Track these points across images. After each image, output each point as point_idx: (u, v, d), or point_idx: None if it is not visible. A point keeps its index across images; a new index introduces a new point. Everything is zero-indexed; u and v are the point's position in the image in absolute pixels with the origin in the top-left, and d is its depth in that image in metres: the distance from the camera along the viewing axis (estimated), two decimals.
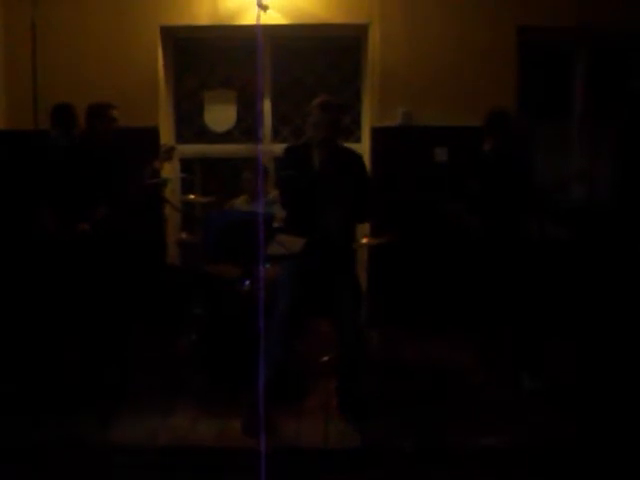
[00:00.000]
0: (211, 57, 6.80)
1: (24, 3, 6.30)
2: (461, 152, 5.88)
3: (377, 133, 6.45)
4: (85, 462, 4.06)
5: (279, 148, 5.38)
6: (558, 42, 6.58)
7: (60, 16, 6.36)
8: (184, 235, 6.06)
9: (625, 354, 5.40)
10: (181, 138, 6.83)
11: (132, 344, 5.51)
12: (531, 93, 6.52)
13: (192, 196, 6.06)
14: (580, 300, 5.99)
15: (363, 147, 6.58)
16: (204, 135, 6.87)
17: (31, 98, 6.28)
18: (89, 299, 5.02)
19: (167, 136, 6.64)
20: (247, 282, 5.10)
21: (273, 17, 6.28)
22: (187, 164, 6.77)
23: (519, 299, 5.09)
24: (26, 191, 5.13)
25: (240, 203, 5.89)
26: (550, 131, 6.69)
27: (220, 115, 6.81)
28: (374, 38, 6.39)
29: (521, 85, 6.40)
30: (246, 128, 6.80)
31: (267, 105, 6.72)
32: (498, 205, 5.10)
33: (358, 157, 4.72)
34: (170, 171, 6.41)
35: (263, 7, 6.09)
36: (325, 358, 5.34)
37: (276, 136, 6.75)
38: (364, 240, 5.65)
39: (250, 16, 6.29)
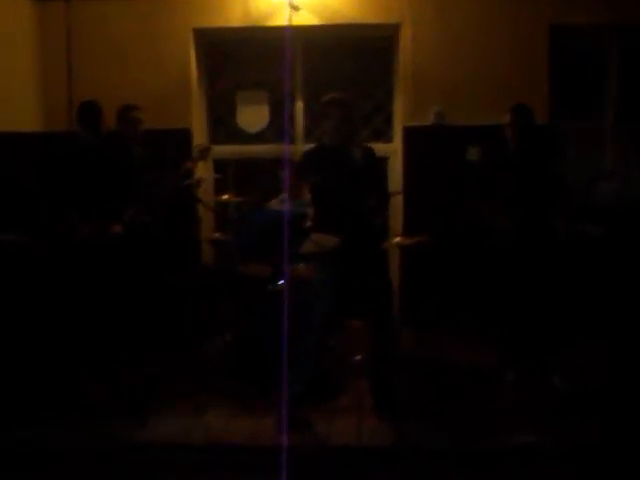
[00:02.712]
0: (243, 58, 6.83)
1: (59, 6, 6.41)
2: (494, 150, 5.87)
3: (410, 132, 6.45)
4: (121, 460, 4.12)
5: None
6: (590, 40, 6.52)
7: (94, 19, 6.46)
8: (217, 235, 6.10)
9: None
10: (214, 139, 6.87)
11: (166, 344, 5.57)
12: (563, 91, 6.46)
13: (225, 196, 6.09)
14: (610, 300, 5.93)
15: (395, 146, 6.58)
16: (237, 136, 6.90)
17: (66, 100, 6.39)
18: (121, 300, 5.07)
19: (200, 137, 6.68)
20: (281, 281, 5.12)
21: (305, 18, 6.30)
22: (220, 164, 6.80)
23: (548, 299, 5.07)
24: (56, 193, 5.19)
25: (275, 203, 5.90)
26: (582, 129, 6.64)
27: (253, 116, 6.84)
28: (406, 38, 6.38)
29: (553, 84, 6.36)
30: (278, 128, 6.83)
31: (299, 106, 6.75)
32: (526, 202, 5.07)
33: (369, 148, 4.80)
34: (203, 171, 6.46)
35: (295, 8, 6.11)
36: (358, 357, 5.34)
37: (308, 136, 6.76)
38: (397, 239, 5.64)
39: (282, 17, 6.32)
